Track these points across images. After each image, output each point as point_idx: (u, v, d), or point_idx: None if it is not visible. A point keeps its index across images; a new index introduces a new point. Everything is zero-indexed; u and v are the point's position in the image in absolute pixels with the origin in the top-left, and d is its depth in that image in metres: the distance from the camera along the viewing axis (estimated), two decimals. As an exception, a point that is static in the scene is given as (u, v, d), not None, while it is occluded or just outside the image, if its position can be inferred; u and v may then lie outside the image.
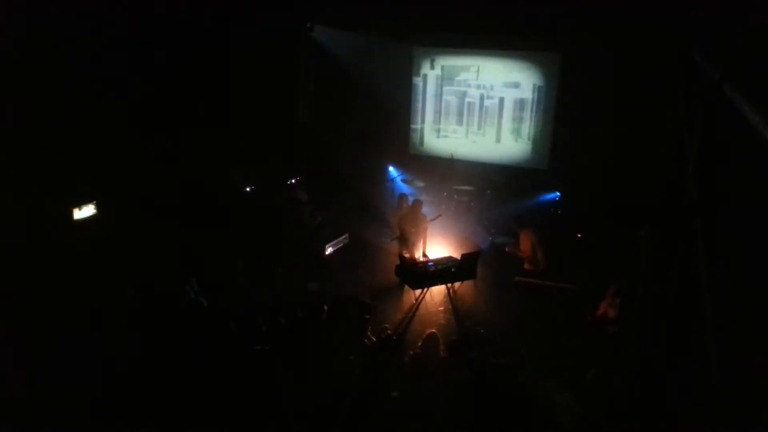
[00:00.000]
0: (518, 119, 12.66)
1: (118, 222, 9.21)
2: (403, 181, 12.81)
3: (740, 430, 4.62)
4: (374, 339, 6.83)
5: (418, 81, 13.58)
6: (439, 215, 9.95)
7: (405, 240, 9.43)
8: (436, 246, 10.19)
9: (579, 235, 10.76)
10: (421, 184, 12.73)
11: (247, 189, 11.67)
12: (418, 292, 8.84)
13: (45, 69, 8.39)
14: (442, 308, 8.80)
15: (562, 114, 12.13)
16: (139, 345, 6.56)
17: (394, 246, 9.85)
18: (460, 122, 13.30)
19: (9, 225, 8.03)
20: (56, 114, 8.59)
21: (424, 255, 9.32)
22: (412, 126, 13.87)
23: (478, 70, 12.89)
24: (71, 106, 8.73)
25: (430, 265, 8.84)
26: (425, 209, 10.56)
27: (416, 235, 9.49)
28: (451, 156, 12.69)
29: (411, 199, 10.52)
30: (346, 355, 6.34)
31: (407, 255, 9.34)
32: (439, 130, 13.63)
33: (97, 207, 9.13)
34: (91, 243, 8.60)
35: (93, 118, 9.05)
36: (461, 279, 9.01)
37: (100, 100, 9.11)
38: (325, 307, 7.05)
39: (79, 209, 8.93)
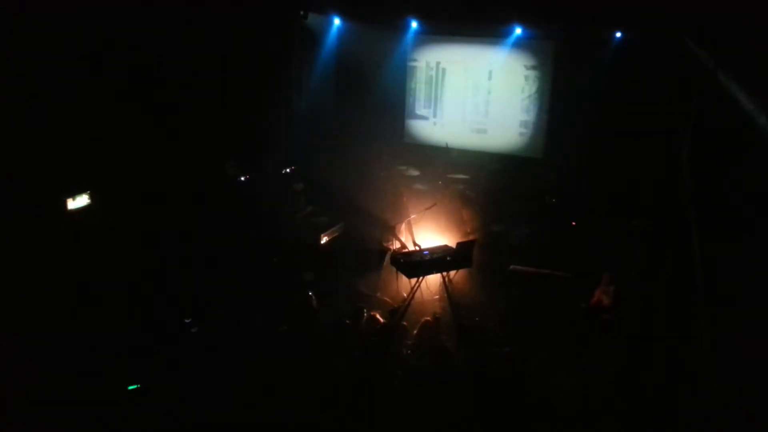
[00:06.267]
0: (514, 108, 12.63)
1: (112, 212, 9.18)
2: (398, 169, 12.75)
3: (735, 419, 4.67)
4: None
5: (413, 69, 13.52)
6: (434, 204, 9.92)
7: (388, 229, 9.39)
8: (431, 235, 10.19)
9: (574, 224, 10.78)
10: (416, 172, 12.70)
11: (242, 179, 11.62)
12: (413, 280, 8.86)
13: (38, 59, 8.32)
14: (437, 297, 8.82)
15: (557, 103, 12.11)
16: (136, 336, 6.55)
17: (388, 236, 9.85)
18: (455, 111, 13.26)
19: (2, 216, 7.99)
20: (50, 104, 8.53)
21: (415, 244, 9.29)
22: (407, 114, 13.83)
23: (473, 59, 12.84)
24: (65, 96, 8.67)
25: (425, 254, 8.85)
26: (421, 198, 10.60)
27: (399, 225, 9.43)
28: (446, 145, 12.66)
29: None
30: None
31: (392, 247, 9.34)
32: (434, 119, 13.59)
33: (92, 197, 9.10)
34: (86, 233, 8.57)
35: (86, 109, 8.99)
36: (457, 268, 9.03)
37: (93, 90, 9.04)
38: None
39: (73, 199, 8.89)
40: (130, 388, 5.95)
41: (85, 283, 7.43)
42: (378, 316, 7.06)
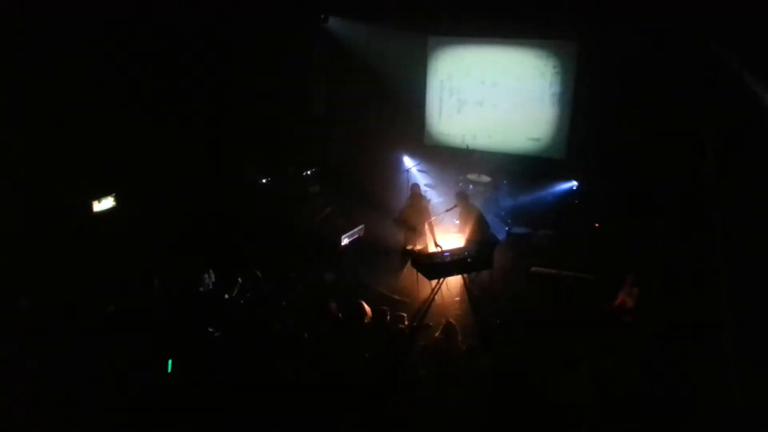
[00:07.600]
0: (535, 108, 12.54)
1: (137, 214, 9.31)
2: (419, 170, 12.73)
3: (755, 422, 4.60)
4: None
5: (433, 71, 13.50)
6: (454, 206, 9.87)
7: (410, 231, 9.37)
8: (452, 236, 10.17)
9: (597, 225, 10.69)
10: (435, 175, 12.68)
11: (263, 181, 11.74)
12: (434, 282, 8.85)
13: (67, 65, 8.49)
14: (458, 298, 8.80)
15: (579, 103, 12.00)
16: (156, 338, 6.60)
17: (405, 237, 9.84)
18: (475, 112, 13.21)
19: (30, 217, 8.16)
20: (77, 108, 8.69)
21: (437, 245, 9.27)
22: (427, 116, 13.81)
23: (494, 59, 12.78)
24: (92, 101, 8.83)
25: (446, 255, 8.82)
26: (441, 200, 10.55)
27: (421, 226, 9.40)
28: (467, 146, 12.62)
29: (423, 189, 10.54)
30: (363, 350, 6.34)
31: (410, 248, 9.31)
32: (454, 120, 13.55)
33: (117, 199, 9.24)
34: (111, 235, 8.71)
35: (112, 113, 9.15)
36: (477, 269, 8.99)
37: (119, 95, 9.20)
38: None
39: (99, 202, 9.04)
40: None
41: (108, 283, 7.53)
42: (399, 318, 7.05)
